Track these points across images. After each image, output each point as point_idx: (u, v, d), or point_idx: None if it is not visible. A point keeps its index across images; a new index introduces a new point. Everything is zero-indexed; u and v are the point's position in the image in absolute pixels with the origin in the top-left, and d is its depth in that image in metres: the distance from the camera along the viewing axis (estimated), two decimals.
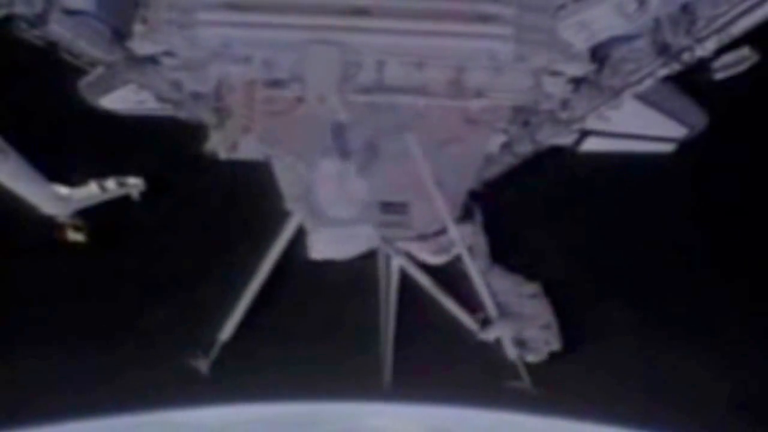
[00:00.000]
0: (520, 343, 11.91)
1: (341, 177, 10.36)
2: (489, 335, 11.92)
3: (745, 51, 8.24)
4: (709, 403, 14.30)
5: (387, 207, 11.02)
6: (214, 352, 12.40)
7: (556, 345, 12.00)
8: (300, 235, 11.39)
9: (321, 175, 10.41)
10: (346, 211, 10.72)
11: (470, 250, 11.82)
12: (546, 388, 12.65)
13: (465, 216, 11.56)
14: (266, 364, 13.62)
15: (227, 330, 12.15)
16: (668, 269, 13.71)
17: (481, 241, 12.19)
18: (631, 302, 13.84)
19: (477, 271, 11.64)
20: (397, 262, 12.75)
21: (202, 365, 12.33)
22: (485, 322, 11.89)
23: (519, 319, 11.90)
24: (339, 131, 10.13)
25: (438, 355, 13.52)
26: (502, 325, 11.83)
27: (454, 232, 11.21)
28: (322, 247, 11.10)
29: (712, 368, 14.00)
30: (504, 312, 11.84)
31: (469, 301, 12.09)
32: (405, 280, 13.04)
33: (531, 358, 12.00)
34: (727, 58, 8.25)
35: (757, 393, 13.91)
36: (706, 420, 14.29)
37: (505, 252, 12.69)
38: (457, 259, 11.79)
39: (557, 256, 13.49)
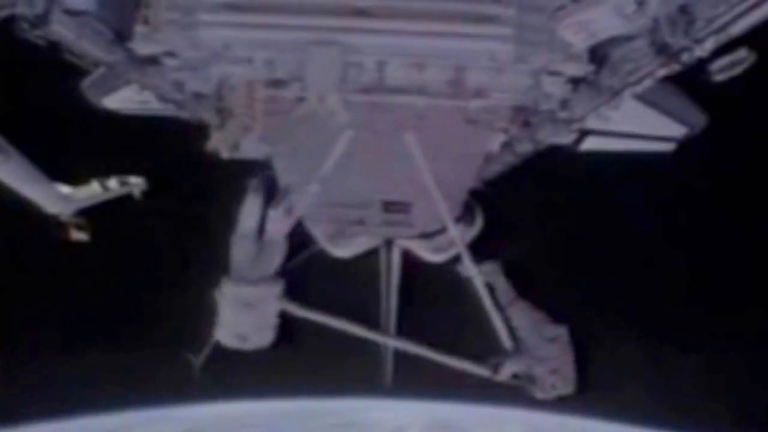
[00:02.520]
0: (530, 379, 11.87)
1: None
2: (505, 374, 11.84)
3: (742, 52, 8.22)
4: (712, 403, 14.36)
5: (389, 206, 11.11)
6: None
7: (563, 390, 11.85)
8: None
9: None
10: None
11: (491, 287, 11.97)
12: None
13: (467, 218, 11.63)
14: (269, 361, 13.66)
15: None
16: (666, 267, 13.76)
17: (501, 280, 12.24)
18: (633, 302, 13.89)
19: (478, 275, 11.64)
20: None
21: (206, 363, 12.35)
22: (497, 366, 11.83)
23: (531, 358, 11.86)
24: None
25: (439, 350, 13.56)
26: (515, 361, 11.77)
27: (454, 231, 11.27)
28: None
29: (717, 370, 14.05)
30: (520, 348, 11.79)
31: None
32: (406, 276, 13.11)
33: (539, 394, 11.94)
34: (725, 60, 8.22)
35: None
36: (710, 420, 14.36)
37: (502, 249, 12.76)
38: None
39: (555, 254, 13.54)
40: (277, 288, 11.19)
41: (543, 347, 11.80)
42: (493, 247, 12.43)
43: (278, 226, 11.18)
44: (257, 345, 11.54)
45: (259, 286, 11.19)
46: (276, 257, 11.30)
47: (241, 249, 11.27)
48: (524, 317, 12.10)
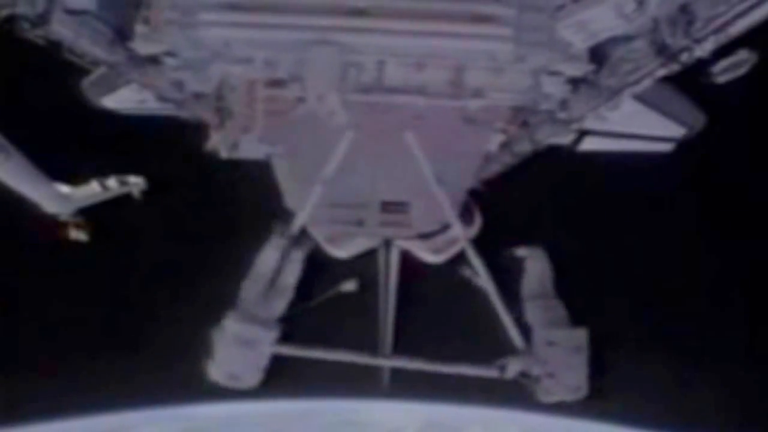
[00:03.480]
0: (536, 380, 11.75)
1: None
2: (512, 372, 11.70)
3: (743, 53, 8.24)
4: (717, 405, 14.36)
5: (388, 206, 11.11)
6: None
7: (562, 396, 11.72)
8: (302, 235, 11.50)
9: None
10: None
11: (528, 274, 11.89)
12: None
13: (466, 218, 11.62)
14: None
15: None
16: (664, 267, 13.76)
17: (544, 267, 12.11)
18: (630, 303, 13.89)
19: (484, 271, 11.60)
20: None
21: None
22: (504, 366, 11.71)
23: (534, 358, 11.70)
24: None
25: (437, 352, 13.57)
26: (521, 359, 11.64)
27: (459, 228, 11.27)
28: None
29: (715, 373, 14.06)
30: (528, 346, 11.63)
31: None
32: (404, 277, 13.10)
33: (540, 397, 11.82)
34: (727, 62, 8.25)
35: None
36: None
37: (501, 246, 12.76)
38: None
39: (553, 254, 13.53)
40: (275, 333, 11.64)
41: (543, 349, 11.68)
42: (493, 246, 12.42)
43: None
44: (248, 385, 11.92)
45: (261, 327, 11.61)
46: (283, 301, 11.69)
47: (252, 289, 11.59)
48: (540, 315, 11.95)
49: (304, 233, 11.71)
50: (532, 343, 11.70)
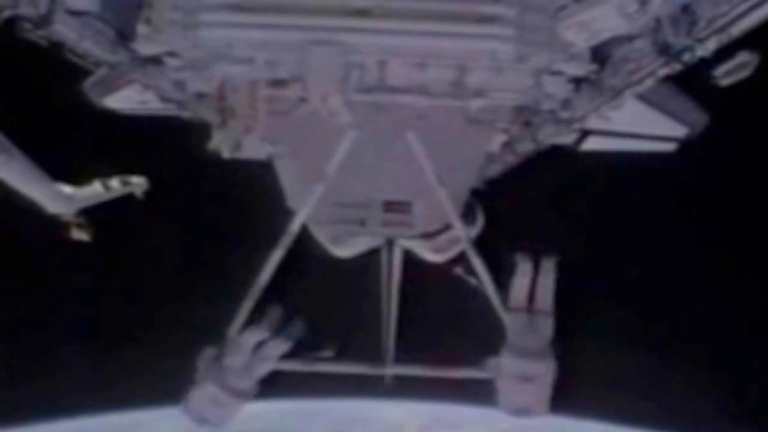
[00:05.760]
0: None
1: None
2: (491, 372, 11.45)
3: (746, 55, 8.26)
4: (706, 402, 14.38)
5: (390, 206, 11.11)
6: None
7: (503, 412, 11.52)
8: (304, 233, 11.49)
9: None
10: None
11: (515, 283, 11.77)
12: None
13: (468, 217, 11.61)
14: None
15: (234, 327, 12.23)
16: (665, 267, 13.78)
17: (548, 281, 11.84)
18: (632, 302, 13.90)
19: (484, 271, 11.52)
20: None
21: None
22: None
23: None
24: None
25: (439, 352, 13.59)
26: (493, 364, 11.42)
27: (460, 228, 11.26)
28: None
29: (705, 364, 14.07)
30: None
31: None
32: (407, 277, 13.11)
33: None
34: (730, 64, 8.27)
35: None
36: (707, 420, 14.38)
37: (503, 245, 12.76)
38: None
39: (555, 251, 13.55)
40: (253, 394, 11.79)
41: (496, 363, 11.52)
42: (494, 247, 12.42)
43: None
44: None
45: (240, 397, 11.67)
46: (267, 367, 11.74)
47: (234, 360, 11.61)
48: (513, 328, 11.46)
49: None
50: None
